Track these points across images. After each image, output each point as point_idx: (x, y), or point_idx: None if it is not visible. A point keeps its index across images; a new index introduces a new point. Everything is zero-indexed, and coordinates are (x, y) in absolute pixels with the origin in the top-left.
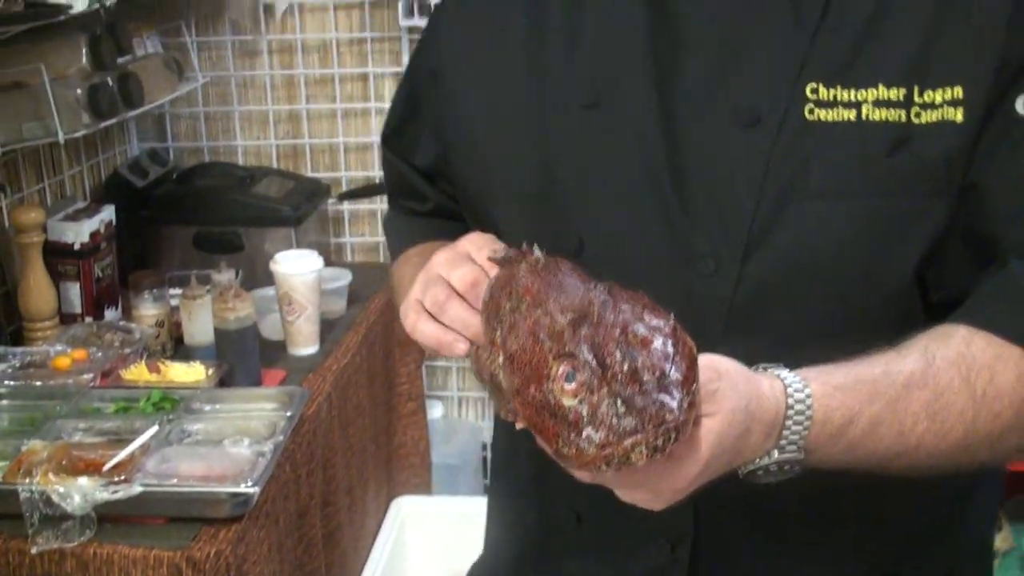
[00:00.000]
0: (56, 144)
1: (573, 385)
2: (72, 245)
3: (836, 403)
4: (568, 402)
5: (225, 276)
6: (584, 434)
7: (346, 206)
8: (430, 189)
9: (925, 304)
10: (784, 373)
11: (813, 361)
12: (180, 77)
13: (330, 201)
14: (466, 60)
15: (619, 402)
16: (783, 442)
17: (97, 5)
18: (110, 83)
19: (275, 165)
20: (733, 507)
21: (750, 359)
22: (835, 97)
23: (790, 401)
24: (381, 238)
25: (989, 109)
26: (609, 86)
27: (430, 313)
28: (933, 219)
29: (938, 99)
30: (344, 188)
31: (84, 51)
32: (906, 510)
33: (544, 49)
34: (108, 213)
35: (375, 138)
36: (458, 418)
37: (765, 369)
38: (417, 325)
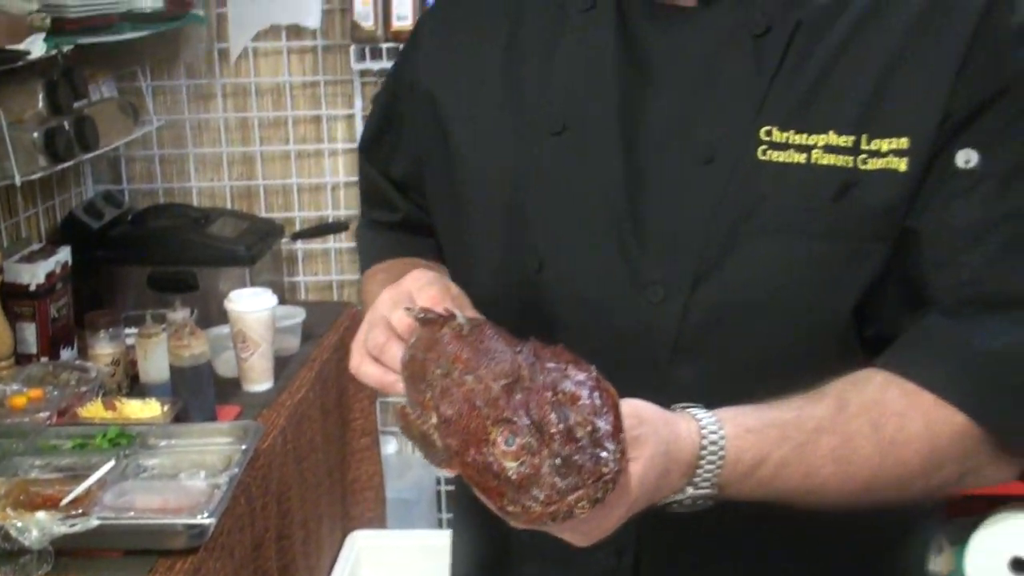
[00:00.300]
0: (12, 186)
1: (514, 448)
2: (28, 286)
3: (748, 444)
4: (510, 464)
5: (180, 314)
6: (529, 493)
7: (299, 245)
8: (401, 200)
9: (861, 338)
10: (701, 414)
11: (757, 387)
12: (135, 120)
13: (283, 240)
14: (446, 74)
15: (559, 461)
16: (698, 479)
17: (55, 51)
18: (66, 127)
19: (229, 206)
20: (673, 519)
21: (697, 384)
22: (788, 140)
23: (704, 442)
24: (334, 276)
25: (931, 160)
26: (577, 115)
27: (372, 355)
28: (872, 261)
29: (884, 148)
30: (297, 228)
31: (41, 96)
32: (844, 529)
33: (519, 71)
34: (64, 254)
35: (328, 179)
36: (412, 453)
37: (684, 409)
38: (360, 367)
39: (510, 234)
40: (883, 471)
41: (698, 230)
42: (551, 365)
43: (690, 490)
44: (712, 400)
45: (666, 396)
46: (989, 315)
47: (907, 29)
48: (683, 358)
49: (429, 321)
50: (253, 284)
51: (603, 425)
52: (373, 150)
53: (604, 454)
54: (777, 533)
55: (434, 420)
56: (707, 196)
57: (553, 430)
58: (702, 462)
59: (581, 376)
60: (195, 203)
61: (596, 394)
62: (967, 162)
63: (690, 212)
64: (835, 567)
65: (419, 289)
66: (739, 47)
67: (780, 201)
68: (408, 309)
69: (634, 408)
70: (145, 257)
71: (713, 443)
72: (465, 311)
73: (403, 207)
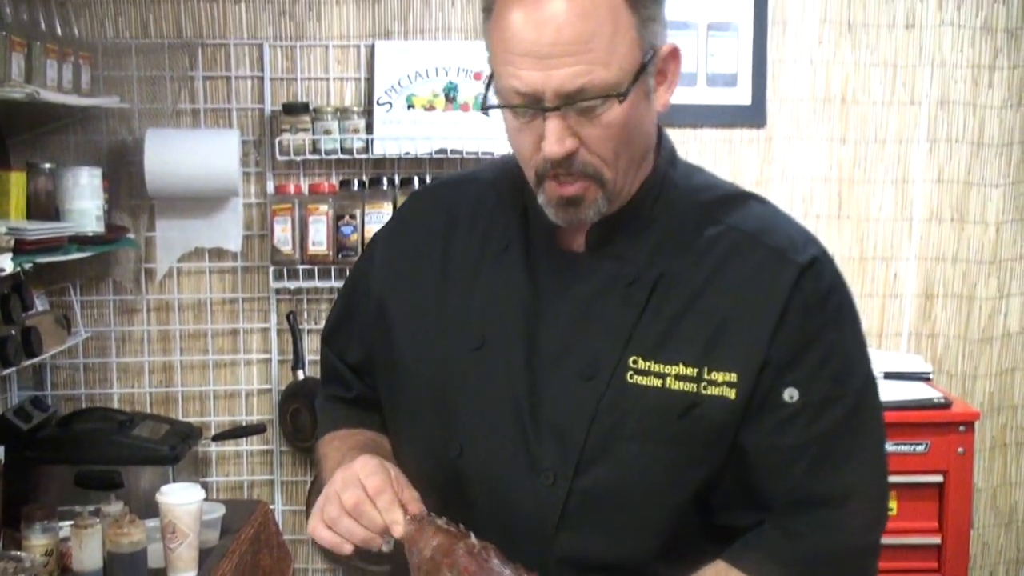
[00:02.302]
0: None
1: None
2: None
3: None
4: None
5: (116, 507)
6: None
7: (214, 447)
8: (355, 381)
9: (715, 525)
10: None
11: (623, 552)
12: (68, 332)
13: (202, 442)
14: (392, 288)
15: None
16: None
17: (19, 269)
18: (15, 335)
19: (149, 411)
20: None
21: (575, 549)
22: (649, 368)
23: None
24: (245, 477)
25: (757, 393)
26: (492, 335)
27: (327, 524)
28: (706, 465)
29: (719, 379)
30: (213, 432)
31: None
32: None
33: (448, 294)
34: None
35: (243, 386)
36: None
37: None
38: (316, 530)
39: (437, 424)
40: None
41: (580, 431)
42: None
43: None
44: (586, 562)
45: (552, 560)
46: (809, 515)
47: (741, 288)
48: (566, 528)
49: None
50: (175, 482)
51: None
52: (333, 338)
53: None
54: None
55: None
56: (587, 405)
57: None
58: None
59: None
60: (116, 408)
61: None
62: (791, 397)
63: (575, 417)
64: None
65: (367, 476)
66: (614, 292)
67: (641, 415)
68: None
69: None
70: (73, 457)
71: None
72: (404, 491)
73: (356, 387)
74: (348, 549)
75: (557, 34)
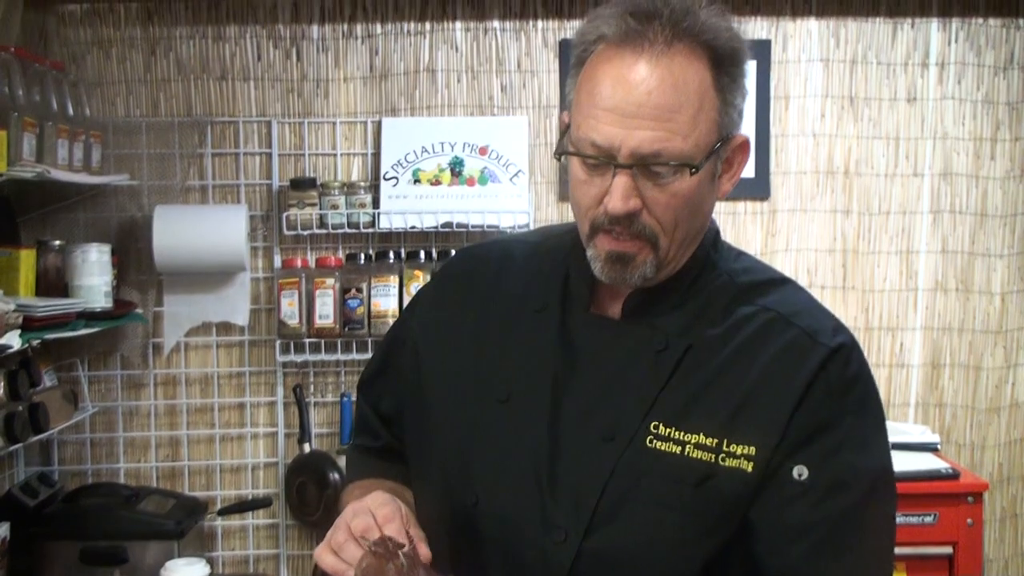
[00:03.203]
0: None
1: None
2: None
3: None
4: None
5: None
6: None
7: (219, 522)
8: (385, 432)
9: None
10: None
11: None
12: (76, 407)
13: (208, 516)
14: (430, 342)
15: None
16: None
17: (27, 345)
18: (22, 411)
19: (155, 485)
20: None
21: None
22: (670, 435)
23: None
24: (251, 551)
25: (772, 468)
26: (519, 391)
27: (334, 550)
28: (718, 537)
29: (738, 452)
30: (219, 505)
31: (2, 384)
32: None
33: (482, 350)
34: (3, 530)
35: (249, 460)
36: None
37: None
38: (322, 556)
39: (456, 472)
40: None
41: (595, 491)
42: None
43: None
44: None
45: None
46: None
47: (766, 367)
48: None
49: (379, 554)
50: (180, 557)
51: None
52: (368, 387)
53: None
54: None
55: None
56: (605, 466)
57: None
58: None
59: None
60: (122, 483)
61: None
62: (800, 475)
63: (591, 477)
64: None
65: (377, 507)
66: (643, 358)
67: (657, 479)
68: (364, 539)
69: None
70: (78, 533)
71: None
72: (411, 528)
73: (385, 437)
74: (350, 575)
75: (647, 97)
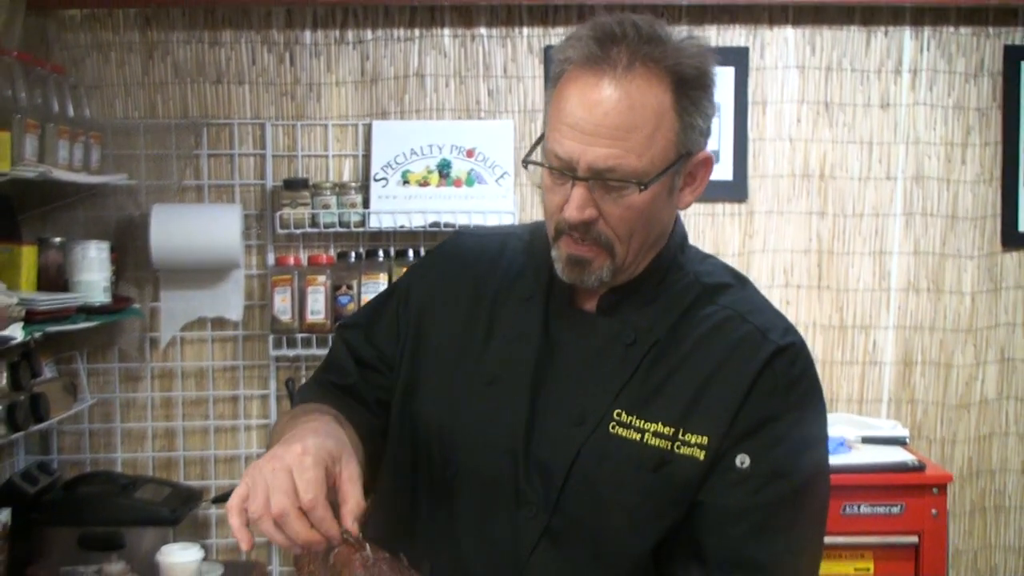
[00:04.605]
0: None
1: None
2: None
3: None
4: None
5: (117, 566)
6: None
7: (213, 510)
8: (356, 372)
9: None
10: None
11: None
12: (75, 398)
13: (202, 504)
14: (430, 313)
15: None
16: None
17: (29, 338)
18: (24, 401)
19: (151, 474)
20: None
21: (553, 570)
22: (631, 422)
23: None
24: None
25: (719, 455)
26: (504, 374)
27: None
28: (671, 518)
29: (692, 440)
30: (213, 494)
31: (5, 375)
32: None
33: (472, 332)
34: (4, 515)
35: (242, 451)
36: None
37: None
38: (231, 516)
39: (440, 444)
40: None
41: (563, 471)
42: None
43: None
44: None
45: None
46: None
47: (720, 361)
48: (541, 553)
49: (349, 544)
50: (175, 543)
51: None
52: (351, 330)
53: None
54: None
55: None
56: (572, 447)
57: None
58: None
59: None
60: (119, 471)
61: None
62: (742, 463)
63: (560, 457)
64: None
65: (300, 471)
66: (614, 350)
67: (617, 463)
68: (344, 532)
69: None
70: (76, 519)
71: None
72: (349, 501)
73: (354, 377)
74: (281, 539)
75: (603, 117)
